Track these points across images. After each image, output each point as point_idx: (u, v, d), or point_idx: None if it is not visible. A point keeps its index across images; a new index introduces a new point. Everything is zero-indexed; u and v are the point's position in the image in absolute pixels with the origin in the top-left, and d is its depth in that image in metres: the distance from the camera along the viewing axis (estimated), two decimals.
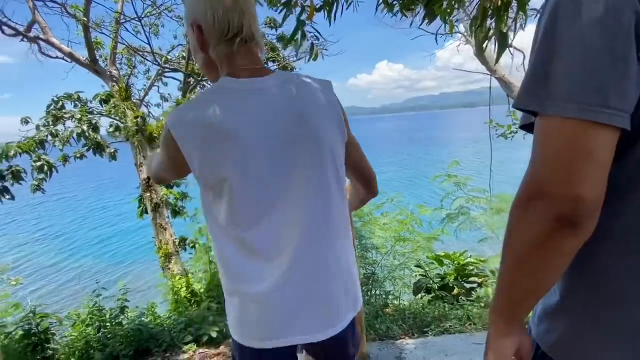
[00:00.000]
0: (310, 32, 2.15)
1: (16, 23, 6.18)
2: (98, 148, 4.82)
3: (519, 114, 0.67)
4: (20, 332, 3.46)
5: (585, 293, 0.65)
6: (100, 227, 18.47)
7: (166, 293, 4.61)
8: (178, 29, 9.25)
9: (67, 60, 6.48)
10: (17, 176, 4.27)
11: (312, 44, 2.23)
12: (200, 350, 3.12)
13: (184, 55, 7.09)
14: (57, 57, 6.64)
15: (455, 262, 4.22)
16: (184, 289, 4.46)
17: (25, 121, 4.82)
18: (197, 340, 3.23)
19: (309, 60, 2.40)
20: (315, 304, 0.98)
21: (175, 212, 6.19)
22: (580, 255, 0.58)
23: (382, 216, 4.35)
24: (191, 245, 5.62)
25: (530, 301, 0.66)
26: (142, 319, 3.64)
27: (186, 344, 3.18)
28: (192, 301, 4.29)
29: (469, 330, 2.80)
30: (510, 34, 1.91)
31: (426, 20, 1.94)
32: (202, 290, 4.41)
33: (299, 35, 1.93)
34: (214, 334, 3.20)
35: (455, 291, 3.97)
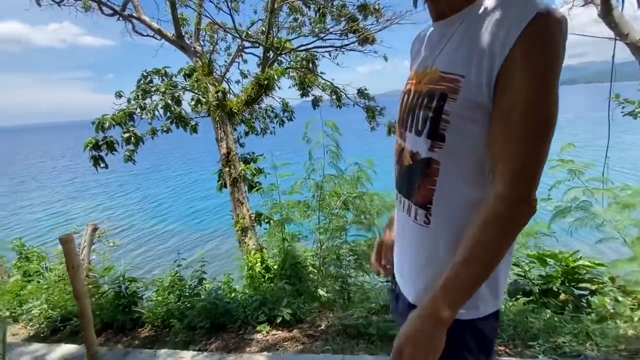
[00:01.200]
0: None
1: (113, 4, 6.61)
2: (181, 121, 4.95)
3: None
4: (113, 293, 3.71)
5: None
6: (190, 201, 19.93)
7: (242, 267, 4.65)
8: (258, 3, 9.21)
9: (156, 38, 6.78)
10: (111, 146, 4.56)
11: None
12: (274, 332, 3.03)
13: (264, 29, 7.00)
14: (147, 35, 6.99)
15: (562, 264, 3.57)
16: (259, 264, 4.45)
17: (119, 95, 5.12)
18: (270, 321, 3.14)
19: None
20: None
21: (251, 187, 6.24)
22: None
23: None
24: (266, 220, 5.63)
25: None
26: (219, 292, 3.67)
27: (260, 323, 3.11)
28: (266, 277, 4.27)
29: (590, 351, 2.29)
30: None
31: None
32: (275, 267, 4.36)
33: None
34: (287, 317, 3.08)
35: (562, 297, 3.37)
